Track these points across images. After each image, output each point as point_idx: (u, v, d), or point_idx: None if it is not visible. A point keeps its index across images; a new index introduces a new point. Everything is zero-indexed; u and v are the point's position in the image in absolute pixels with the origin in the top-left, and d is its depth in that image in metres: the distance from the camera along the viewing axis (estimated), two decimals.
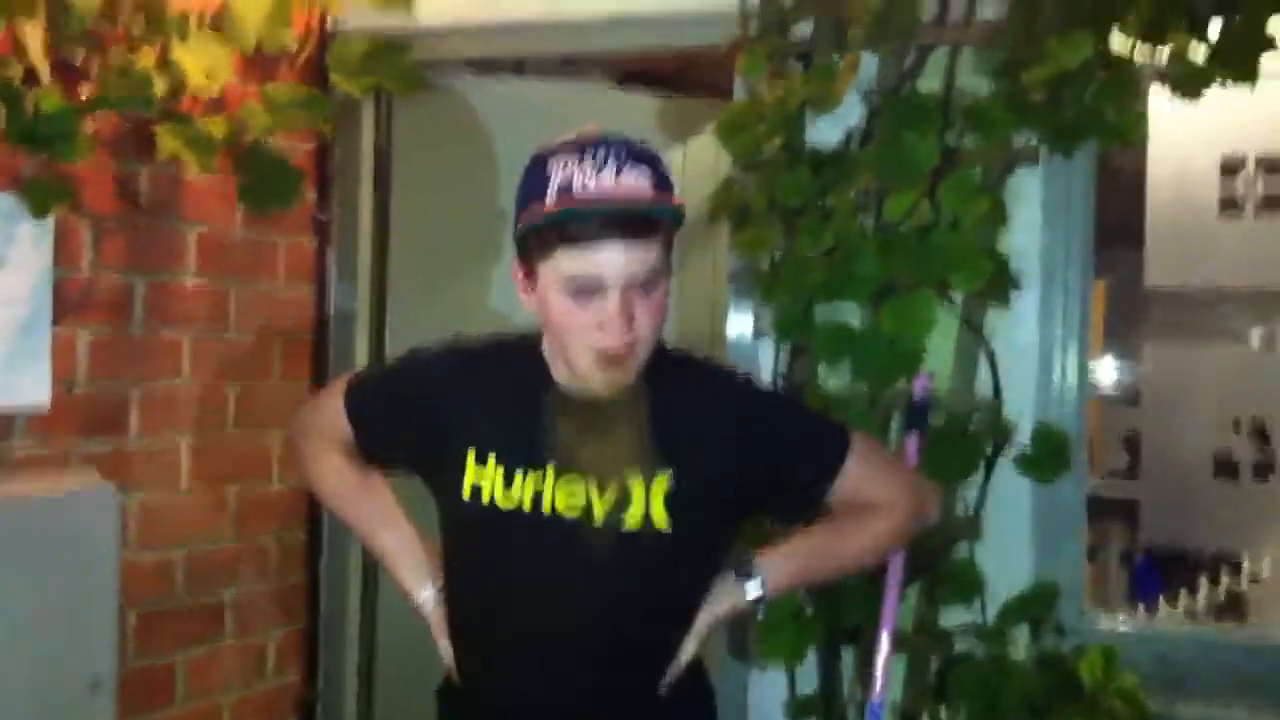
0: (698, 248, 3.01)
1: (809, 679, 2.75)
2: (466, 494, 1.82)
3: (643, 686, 1.88)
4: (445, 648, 1.95)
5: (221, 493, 2.96)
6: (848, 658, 2.72)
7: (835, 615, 2.62)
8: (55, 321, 2.54)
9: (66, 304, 2.56)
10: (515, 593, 1.84)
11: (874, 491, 1.93)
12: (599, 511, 1.78)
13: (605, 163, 1.67)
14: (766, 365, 2.80)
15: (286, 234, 3.10)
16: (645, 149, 1.73)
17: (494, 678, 1.89)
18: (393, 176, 3.31)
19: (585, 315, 1.70)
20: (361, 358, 3.26)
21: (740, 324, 2.87)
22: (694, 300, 3.02)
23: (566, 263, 1.69)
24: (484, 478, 1.81)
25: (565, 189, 1.66)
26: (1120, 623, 2.77)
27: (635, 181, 1.67)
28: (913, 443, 2.48)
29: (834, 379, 2.68)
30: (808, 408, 2.11)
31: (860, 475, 1.89)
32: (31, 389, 2.49)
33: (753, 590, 1.91)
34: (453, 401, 1.87)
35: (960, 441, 2.56)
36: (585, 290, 1.69)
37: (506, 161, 3.08)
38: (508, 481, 1.80)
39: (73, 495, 2.53)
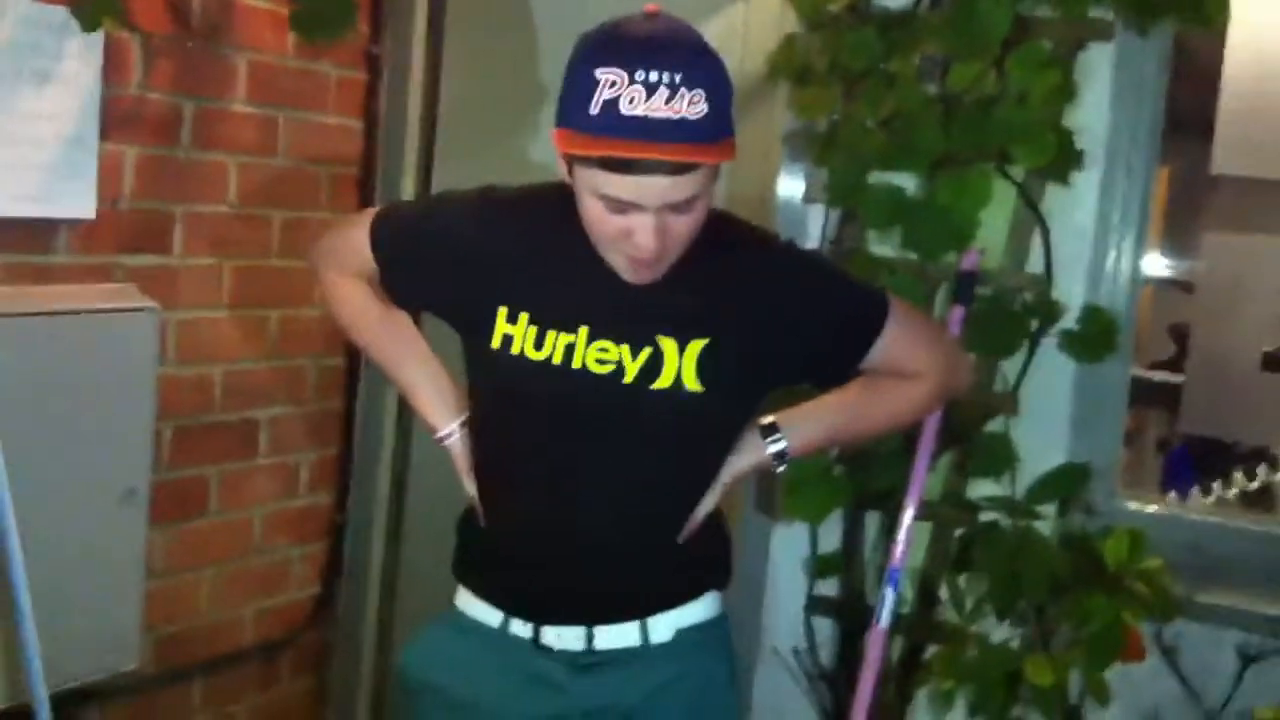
0: (754, 106, 2.95)
1: (831, 538, 2.77)
2: (496, 344, 1.80)
3: (661, 533, 1.89)
4: (468, 484, 1.96)
5: (261, 315, 2.97)
6: (872, 521, 2.74)
7: (863, 478, 2.63)
8: (102, 137, 2.52)
9: (114, 121, 2.54)
10: (541, 436, 1.84)
11: (908, 359, 1.91)
12: (630, 372, 1.77)
13: (655, 86, 1.56)
14: (815, 230, 2.77)
15: (338, 66, 3.06)
16: (701, 63, 1.61)
17: (514, 516, 1.90)
18: (447, 14, 3.25)
19: (618, 223, 1.66)
20: (409, 193, 3.24)
21: (792, 186, 2.83)
22: (746, 160, 2.97)
23: (604, 182, 1.63)
24: (514, 331, 1.79)
25: (612, 109, 1.57)
26: (1150, 508, 2.76)
27: (687, 108, 1.57)
28: (957, 316, 2.46)
29: (883, 247, 2.65)
30: (848, 274, 2.06)
31: (896, 343, 1.87)
32: (76, 201, 2.49)
33: (776, 448, 1.91)
34: (484, 254, 1.82)
35: (1006, 317, 2.54)
36: (620, 206, 1.64)
37: (565, 9, 3.03)
38: (539, 342, 1.78)
39: (114, 309, 2.55)
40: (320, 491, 3.23)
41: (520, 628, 1.88)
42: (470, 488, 1.96)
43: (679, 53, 1.59)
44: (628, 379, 1.76)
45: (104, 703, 2.71)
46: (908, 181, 2.60)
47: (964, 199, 2.51)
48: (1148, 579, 2.37)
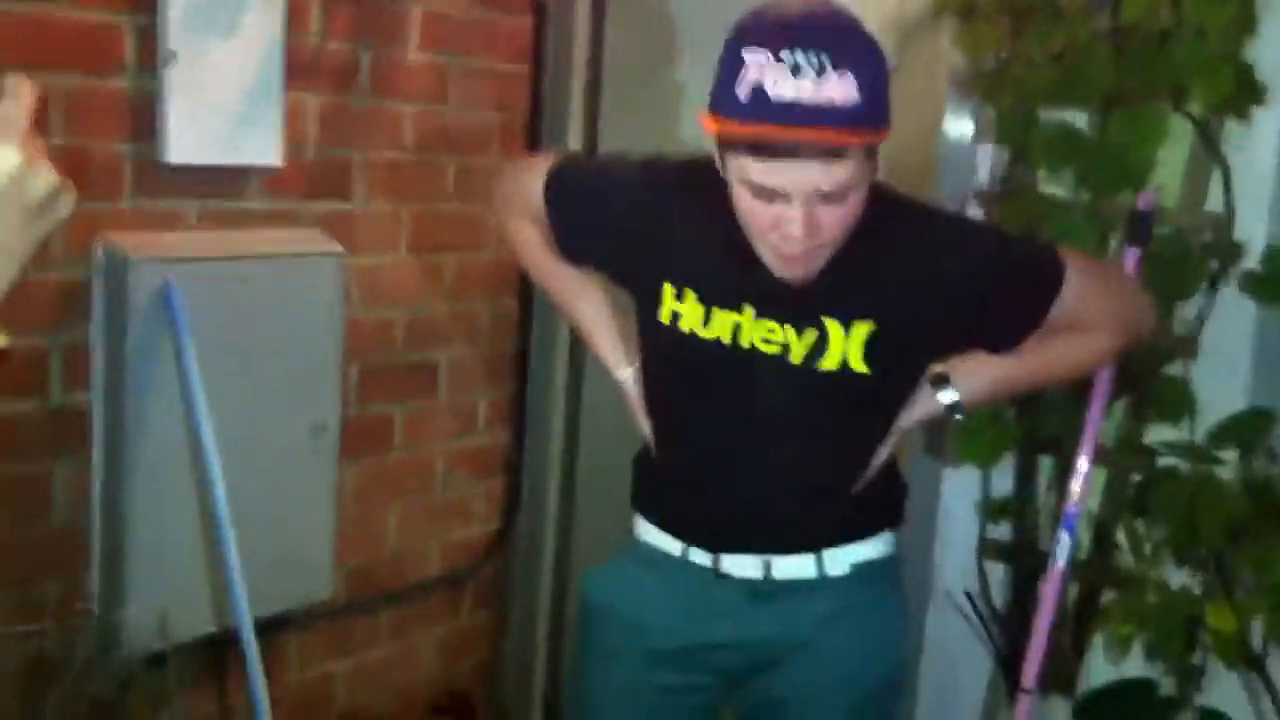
0: (919, 44, 2.91)
1: (1004, 482, 2.75)
2: (665, 319, 1.84)
3: (835, 479, 1.91)
4: (643, 423, 2.01)
5: (438, 260, 3.05)
6: (1045, 465, 2.71)
7: (1035, 423, 2.60)
8: (286, 86, 2.60)
9: (296, 70, 2.63)
10: (711, 403, 1.87)
11: (1087, 315, 1.87)
12: (796, 353, 1.78)
13: (803, 67, 1.52)
14: (984, 168, 2.72)
15: (506, 14, 3.10)
16: (853, 45, 1.57)
17: (689, 461, 1.94)
18: None
19: (768, 214, 1.65)
20: (575, 141, 3.28)
21: (959, 125, 2.78)
22: (912, 100, 2.93)
23: (753, 169, 1.62)
24: (682, 309, 1.82)
25: (759, 92, 1.54)
26: None
27: (836, 91, 1.53)
28: (1133, 257, 2.40)
29: (1055, 186, 2.60)
30: (1016, 240, 2.02)
31: (1073, 302, 1.83)
32: (263, 149, 2.58)
33: (950, 399, 1.91)
34: (652, 229, 1.84)
35: (1184, 258, 2.47)
36: (769, 194, 1.63)
37: None
38: (705, 319, 1.80)
39: (303, 254, 2.65)
40: (497, 429, 3.32)
41: (700, 556, 1.93)
42: (645, 427, 2.00)
43: (829, 34, 1.56)
44: (794, 360, 1.78)
45: (299, 630, 2.85)
46: (1079, 119, 2.54)
47: (1138, 136, 2.43)
48: None
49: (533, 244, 2.06)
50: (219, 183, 2.54)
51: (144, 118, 2.38)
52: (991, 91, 2.59)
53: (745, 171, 1.63)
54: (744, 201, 1.67)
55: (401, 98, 2.88)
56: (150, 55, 2.37)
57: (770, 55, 1.54)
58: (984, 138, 2.71)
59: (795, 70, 1.53)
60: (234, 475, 2.39)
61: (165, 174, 2.43)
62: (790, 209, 1.63)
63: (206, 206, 2.53)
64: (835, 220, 1.65)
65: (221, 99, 2.47)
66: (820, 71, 1.52)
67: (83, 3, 2.27)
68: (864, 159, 1.62)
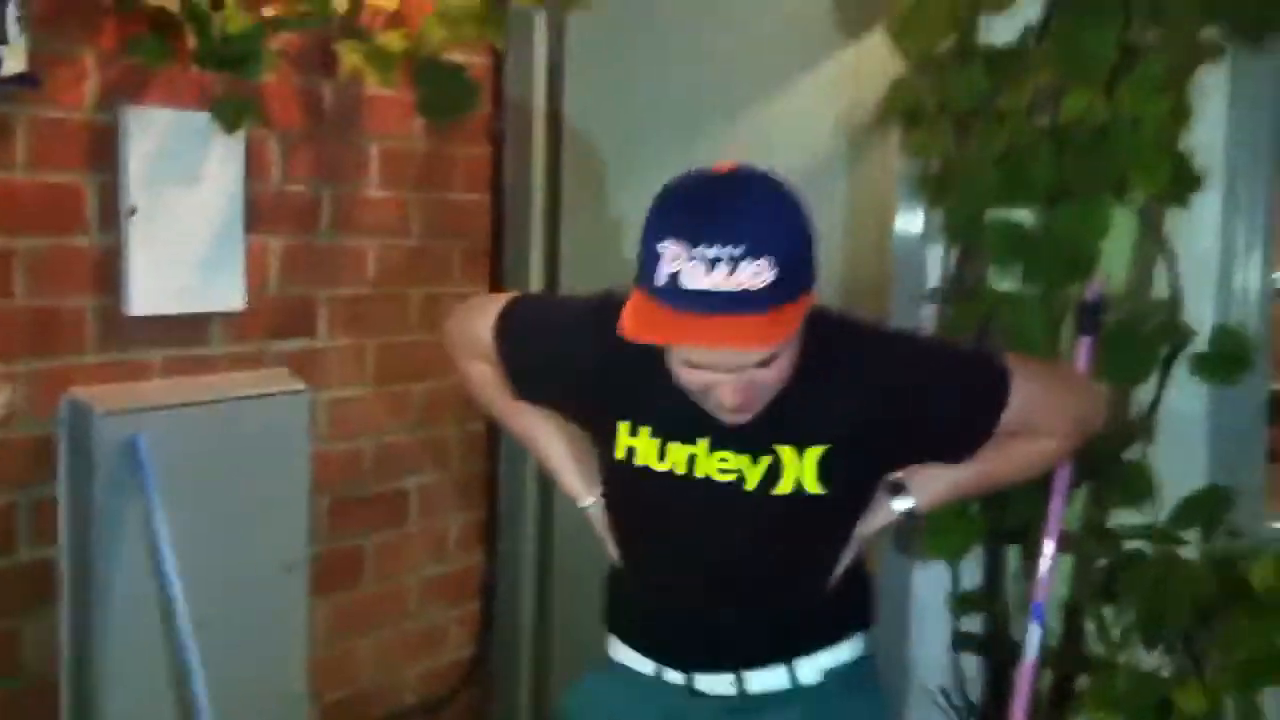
0: (868, 148, 2.99)
1: (973, 574, 2.77)
2: (620, 454, 1.86)
3: (799, 591, 1.94)
4: (611, 548, 2.03)
5: (404, 389, 3.08)
6: (1012, 555, 2.73)
7: (1000, 515, 2.62)
8: (247, 230, 2.65)
9: (258, 214, 2.67)
10: (670, 529, 1.90)
11: (1036, 418, 1.89)
12: (751, 479, 1.80)
13: (717, 262, 1.55)
14: (934, 267, 2.78)
15: (464, 145, 3.17)
16: (767, 227, 1.58)
17: (654, 582, 1.97)
18: (564, 82, 3.34)
19: (699, 379, 1.68)
20: (537, 264, 3.34)
21: (909, 225, 2.84)
22: (863, 202, 3.01)
23: (679, 348, 1.66)
24: (636, 444, 1.84)
25: (674, 283, 1.57)
26: None
27: (751, 279, 1.55)
28: (1085, 346, 2.45)
29: (1005, 281, 2.65)
30: (963, 352, 2.06)
31: (1022, 408, 1.84)
32: (226, 293, 2.62)
33: (905, 506, 1.94)
34: (606, 366, 1.84)
35: (1135, 344, 2.51)
36: (698, 365, 1.67)
37: (680, 70, 3.09)
38: (661, 453, 1.82)
39: (268, 394, 2.68)
40: (470, 553, 3.33)
41: (673, 675, 1.94)
42: (612, 552, 2.02)
43: (741, 221, 1.58)
44: (749, 486, 1.80)
45: None
46: (1025, 215, 2.60)
47: (1084, 229, 2.49)
48: None
49: (487, 383, 2.08)
50: (183, 330, 2.57)
51: (107, 271, 2.42)
52: (939, 193, 2.64)
53: (674, 347, 1.68)
54: (677, 369, 1.71)
55: (363, 232, 2.93)
56: (112, 210, 2.42)
57: (685, 248, 1.57)
58: (934, 238, 2.76)
59: (709, 264, 1.55)
60: (205, 617, 2.40)
61: (129, 325, 2.46)
62: (722, 376, 1.67)
63: (171, 354, 2.56)
64: (767, 378, 1.69)
65: (183, 248, 2.52)
66: (734, 262, 1.55)
67: (44, 165, 2.32)
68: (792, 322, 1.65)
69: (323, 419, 2.85)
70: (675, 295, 1.57)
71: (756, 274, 1.55)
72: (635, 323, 1.62)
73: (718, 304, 1.56)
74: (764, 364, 1.65)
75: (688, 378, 1.70)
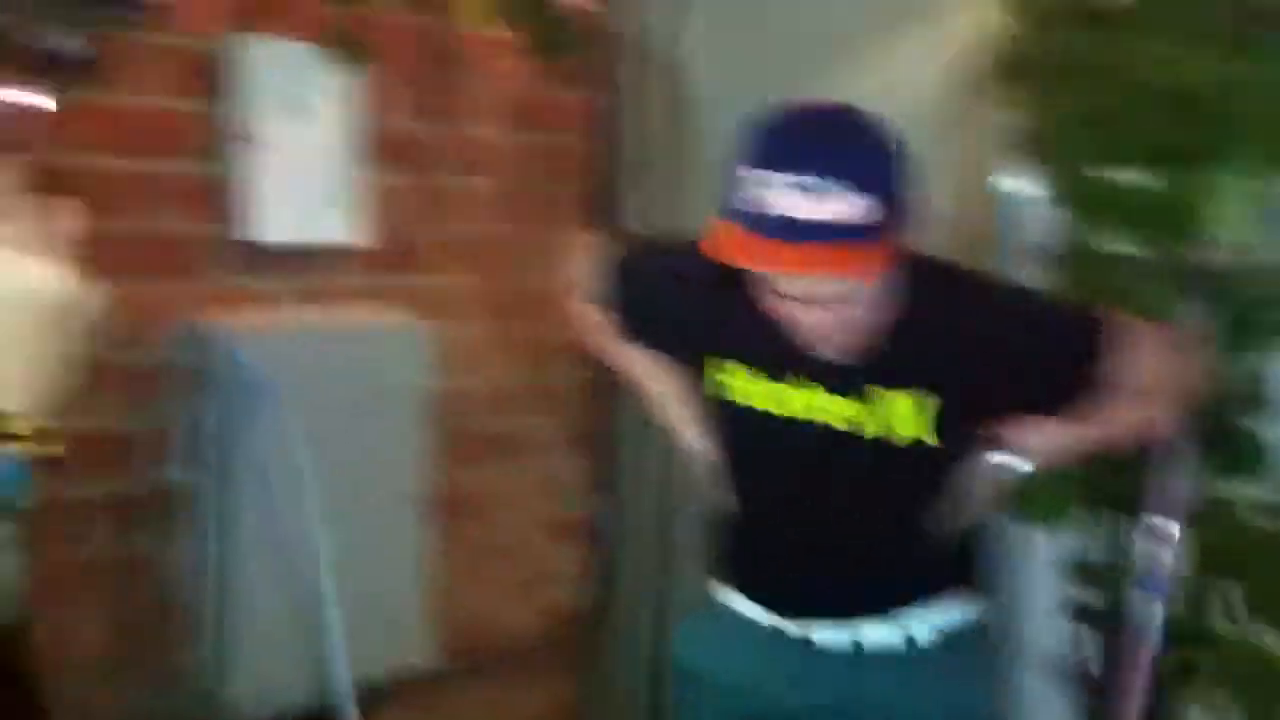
0: (979, 104, 2.92)
1: (1088, 543, 2.70)
2: (728, 395, 1.86)
3: (911, 553, 1.91)
4: (720, 495, 2.03)
5: (516, 331, 3.12)
6: (1129, 525, 2.65)
7: (1115, 482, 2.55)
8: (365, 165, 2.71)
9: (375, 150, 2.74)
10: (778, 471, 1.89)
11: (1138, 378, 1.84)
12: (868, 428, 1.78)
13: (799, 187, 1.53)
14: (1039, 228, 2.70)
15: (574, 89, 3.14)
16: (859, 159, 1.57)
17: (767, 538, 1.96)
18: (681, 31, 3.30)
19: (788, 309, 1.67)
20: (642, 213, 3.30)
21: (1014, 185, 2.76)
22: (970, 158, 2.94)
23: (764, 272, 1.65)
24: (745, 385, 1.84)
25: (759, 208, 1.55)
26: None
27: (837, 209, 1.53)
28: (1194, 312, 2.36)
29: (1112, 244, 2.57)
30: (1063, 308, 2.00)
31: (1123, 365, 1.80)
32: (347, 226, 2.69)
33: (1009, 461, 1.90)
34: (713, 308, 1.85)
35: (1248, 311, 2.42)
36: (785, 294, 1.65)
37: (797, 23, 3.04)
38: (775, 397, 1.81)
39: (390, 328, 2.75)
40: (588, 498, 3.33)
41: (787, 625, 1.94)
42: (721, 498, 2.02)
43: (831, 150, 1.56)
44: (859, 431, 1.79)
45: (397, 701, 2.89)
46: (1134, 178, 2.51)
47: (1194, 191, 2.41)
48: None
49: (596, 326, 2.10)
50: (306, 261, 2.64)
51: (232, 199, 2.48)
52: (1046, 152, 2.57)
53: (762, 274, 1.67)
54: (767, 297, 1.70)
55: (476, 173, 2.99)
56: (233, 139, 2.50)
57: (771, 173, 1.55)
58: (1041, 197, 2.69)
59: (795, 189, 1.54)
60: (330, 545, 2.45)
61: (254, 254, 2.52)
62: (804, 306, 1.65)
63: (294, 285, 2.62)
64: (859, 315, 1.67)
65: (305, 180, 2.59)
66: (821, 191, 1.53)
67: (164, 91, 2.40)
68: (873, 264, 1.62)
69: (441, 356, 2.89)
70: (760, 221, 1.56)
71: (847, 205, 1.53)
72: (721, 246, 1.61)
73: (799, 231, 1.54)
74: (842, 300, 1.64)
75: (775, 305, 1.69)
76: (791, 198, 1.54)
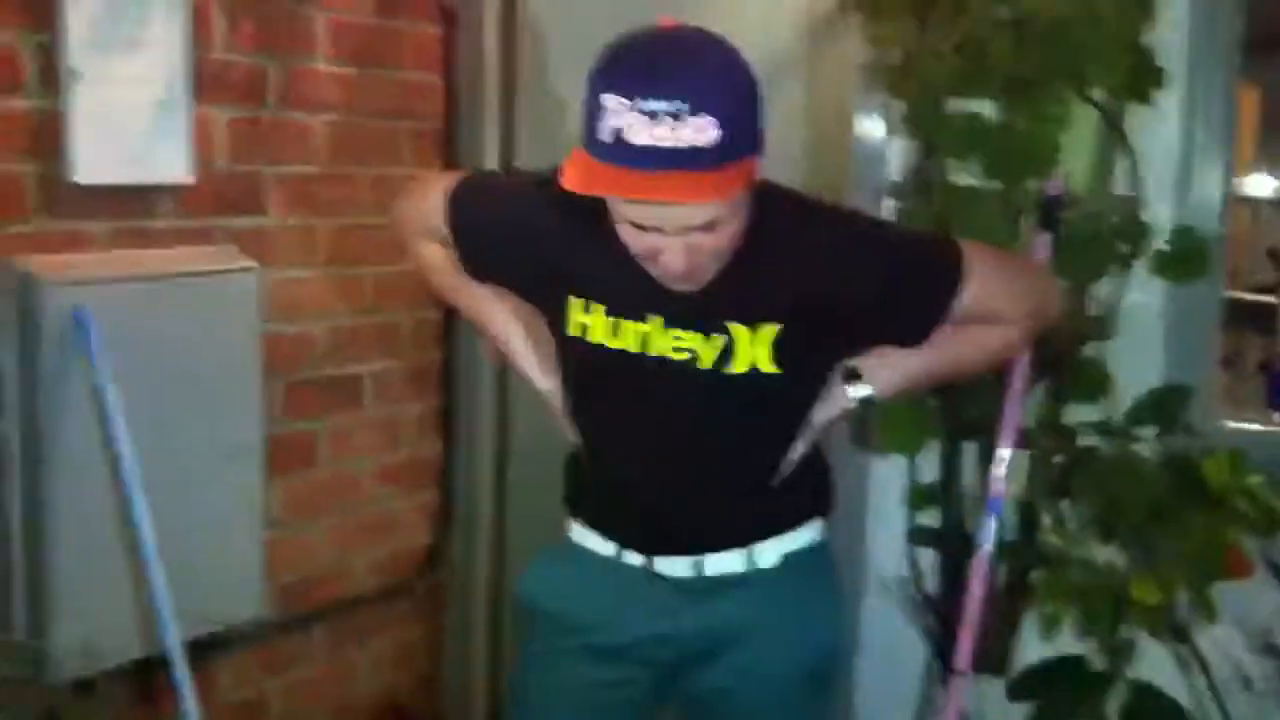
0: (828, 39, 2.94)
1: (929, 469, 2.78)
2: (573, 331, 1.84)
3: (756, 477, 1.93)
4: (568, 431, 2.01)
5: (355, 273, 3.02)
6: (969, 450, 2.75)
7: (958, 409, 2.63)
8: (194, 101, 2.56)
9: (203, 84, 2.59)
10: (628, 409, 1.89)
11: (993, 304, 1.88)
12: (706, 358, 1.79)
13: (660, 114, 1.51)
14: (895, 162, 2.75)
15: (414, 21, 3.09)
16: (713, 83, 1.55)
17: (614, 466, 1.96)
18: None
19: (645, 243, 1.66)
20: (491, 146, 3.27)
21: (869, 120, 2.81)
22: (823, 94, 2.97)
23: (624, 207, 1.64)
24: (590, 321, 1.82)
25: (618, 138, 1.54)
26: (1250, 427, 2.74)
27: (695, 134, 1.52)
28: (1044, 243, 2.44)
29: (965, 177, 2.63)
30: (917, 235, 2.04)
31: (978, 293, 1.83)
32: (173, 165, 2.55)
33: (862, 394, 1.93)
34: (558, 243, 1.84)
35: (1094, 241, 2.52)
36: (643, 227, 1.64)
37: None
38: (614, 330, 1.81)
39: (217, 271, 2.62)
40: (426, 441, 3.30)
41: (632, 557, 1.94)
42: (571, 435, 2.00)
43: (688, 76, 1.54)
44: (704, 364, 1.79)
45: (231, 650, 2.81)
46: (986, 109, 2.58)
47: (1044, 123, 2.48)
48: (1251, 496, 2.35)
49: (438, 264, 2.04)
50: (128, 202, 2.50)
51: (49, 137, 2.34)
52: (898, 85, 2.61)
53: (619, 208, 1.66)
54: (623, 231, 1.69)
55: (311, 109, 2.85)
56: (52, 73, 2.33)
57: (627, 101, 1.53)
58: (894, 132, 2.74)
59: (652, 117, 1.52)
60: (158, 497, 2.35)
61: (73, 194, 2.39)
62: (666, 239, 1.64)
63: (117, 226, 2.48)
64: (713, 243, 1.66)
65: (128, 116, 2.44)
66: (677, 116, 1.52)
67: None
68: (735, 191, 1.63)
69: (272, 300, 2.79)
70: (619, 151, 1.54)
71: (701, 130, 1.52)
72: (578, 177, 1.59)
73: (662, 159, 1.53)
74: (709, 228, 1.63)
75: (633, 240, 1.68)
76: (649, 125, 1.52)
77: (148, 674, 2.56)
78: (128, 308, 2.40)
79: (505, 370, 3.33)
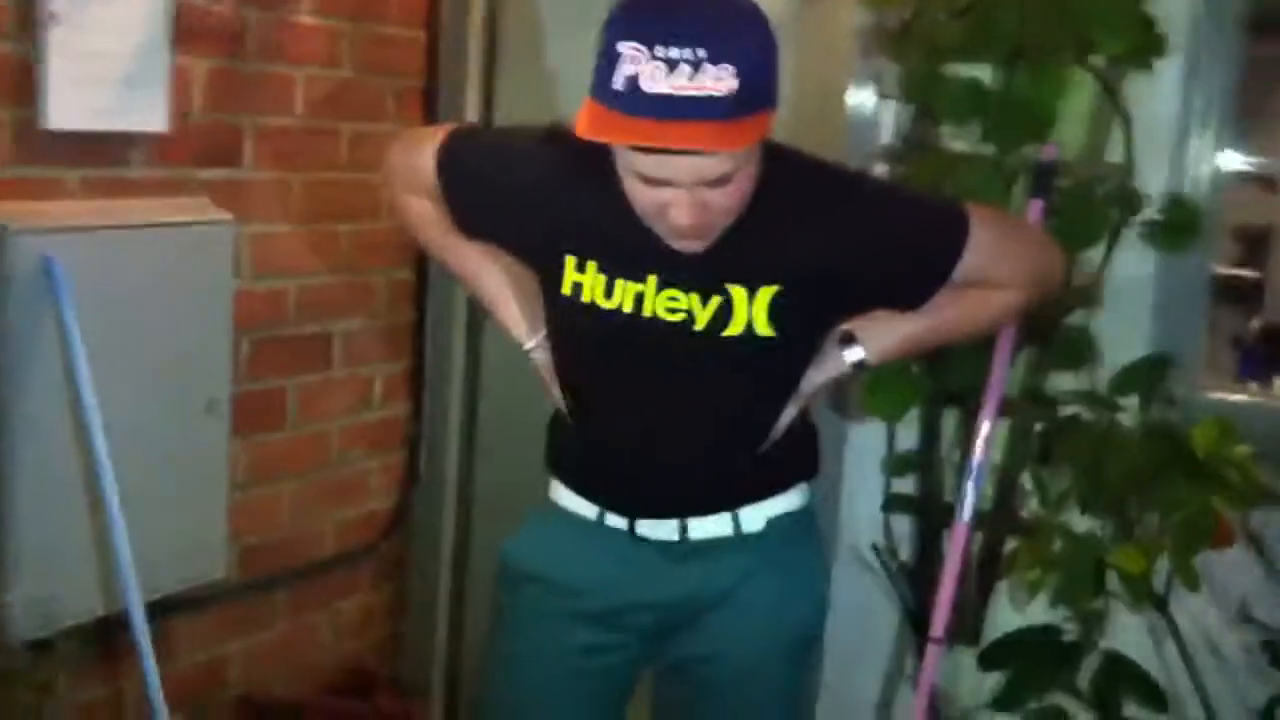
0: (824, 3, 2.91)
1: (908, 437, 2.76)
2: (566, 290, 1.81)
3: (745, 439, 1.91)
4: (554, 392, 1.97)
5: (331, 229, 2.97)
6: (949, 417, 2.73)
7: (941, 375, 2.61)
8: (172, 49, 2.50)
9: (182, 32, 2.53)
10: (617, 371, 1.86)
11: (995, 270, 1.86)
12: (701, 320, 1.76)
13: (677, 63, 1.50)
14: (890, 126, 2.73)
15: None
16: (731, 32, 1.53)
17: (600, 429, 1.93)
18: None
19: (655, 199, 1.64)
20: (473, 105, 3.23)
21: (865, 84, 2.78)
22: (818, 60, 2.93)
23: (636, 160, 1.60)
24: (584, 280, 1.79)
25: (633, 87, 1.51)
26: (1234, 398, 2.75)
27: (713, 83, 1.50)
28: (1037, 209, 2.42)
29: (959, 142, 2.61)
30: (921, 197, 2.01)
31: (980, 258, 1.82)
32: (149, 113, 2.49)
33: (855, 358, 1.90)
34: (551, 201, 1.81)
35: (1086, 208, 2.50)
36: (654, 181, 1.62)
37: None
38: (608, 291, 1.78)
39: (190, 223, 2.56)
40: (395, 403, 3.26)
41: (616, 520, 1.91)
42: (557, 396, 1.97)
43: (705, 25, 1.52)
44: (699, 326, 1.77)
45: (192, 611, 2.76)
46: (983, 74, 2.55)
47: (1042, 89, 2.46)
48: (1236, 466, 2.34)
49: (427, 219, 2.00)
50: (102, 149, 2.44)
51: (23, 82, 2.27)
52: (897, 49, 2.59)
53: (629, 160, 1.62)
54: (631, 186, 1.66)
55: (292, 62, 2.80)
56: (29, 16, 2.26)
57: (645, 49, 1.51)
58: (889, 95, 2.71)
59: (669, 64, 1.50)
60: (122, 452, 2.30)
61: (45, 140, 2.32)
62: (676, 194, 1.61)
63: (90, 175, 2.42)
64: (724, 200, 1.64)
65: (104, 62, 2.37)
66: (696, 65, 1.50)
67: None
68: (748, 144, 1.60)
69: (246, 255, 2.74)
70: (634, 100, 1.52)
71: (719, 79, 1.50)
72: (591, 125, 1.56)
73: (679, 108, 1.50)
74: (721, 182, 1.61)
75: (641, 195, 1.65)
76: (667, 73, 1.50)
77: (107, 634, 2.52)
78: (99, 258, 2.34)
79: (477, 332, 3.30)
